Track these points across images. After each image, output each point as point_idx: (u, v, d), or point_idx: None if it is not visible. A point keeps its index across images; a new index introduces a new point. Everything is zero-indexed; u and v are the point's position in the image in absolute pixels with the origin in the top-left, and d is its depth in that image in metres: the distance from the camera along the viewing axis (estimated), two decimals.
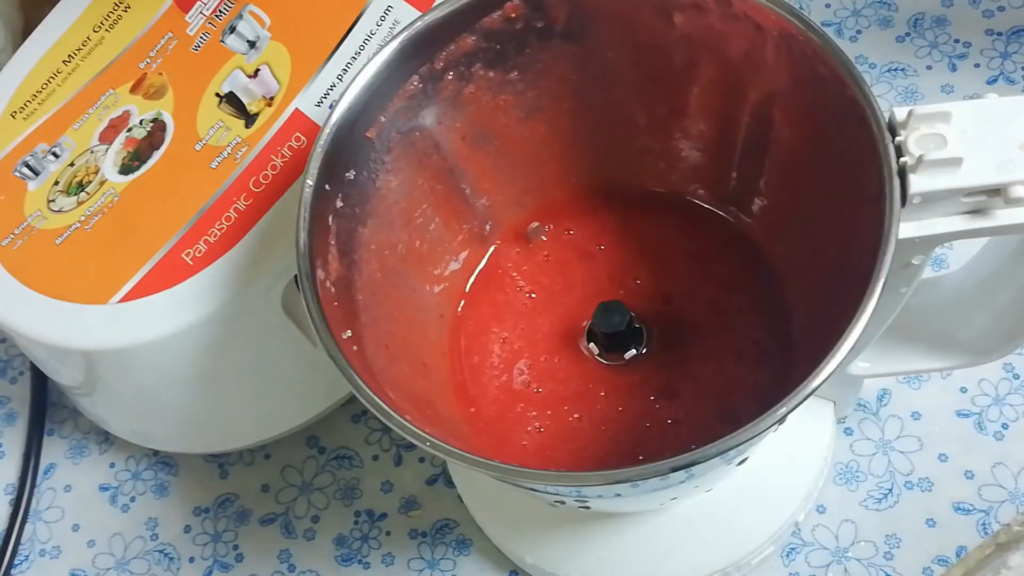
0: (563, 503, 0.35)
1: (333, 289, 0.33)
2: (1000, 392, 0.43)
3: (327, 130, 0.33)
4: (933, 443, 0.43)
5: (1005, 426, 0.43)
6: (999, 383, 0.44)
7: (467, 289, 0.40)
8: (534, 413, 0.37)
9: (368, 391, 0.30)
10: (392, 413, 0.29)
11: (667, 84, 0.37)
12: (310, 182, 0.33)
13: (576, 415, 0.37)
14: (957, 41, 0.50)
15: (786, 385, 0.28)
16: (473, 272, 0.40)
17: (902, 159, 0.30)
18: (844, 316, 0.29)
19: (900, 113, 0.31)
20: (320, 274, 0.32)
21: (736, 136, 0.37)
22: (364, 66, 0.34)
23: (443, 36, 0.35)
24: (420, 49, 0.35)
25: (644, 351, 0.38)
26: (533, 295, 0.40)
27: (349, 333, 0.32)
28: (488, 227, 0.40)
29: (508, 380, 0.38)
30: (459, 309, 0.39)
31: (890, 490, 0.42)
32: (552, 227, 0.40)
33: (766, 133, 0.36)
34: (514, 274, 0.40)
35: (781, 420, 0.28)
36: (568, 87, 0.38)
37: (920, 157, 0.30)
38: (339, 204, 0.34)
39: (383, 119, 0.35)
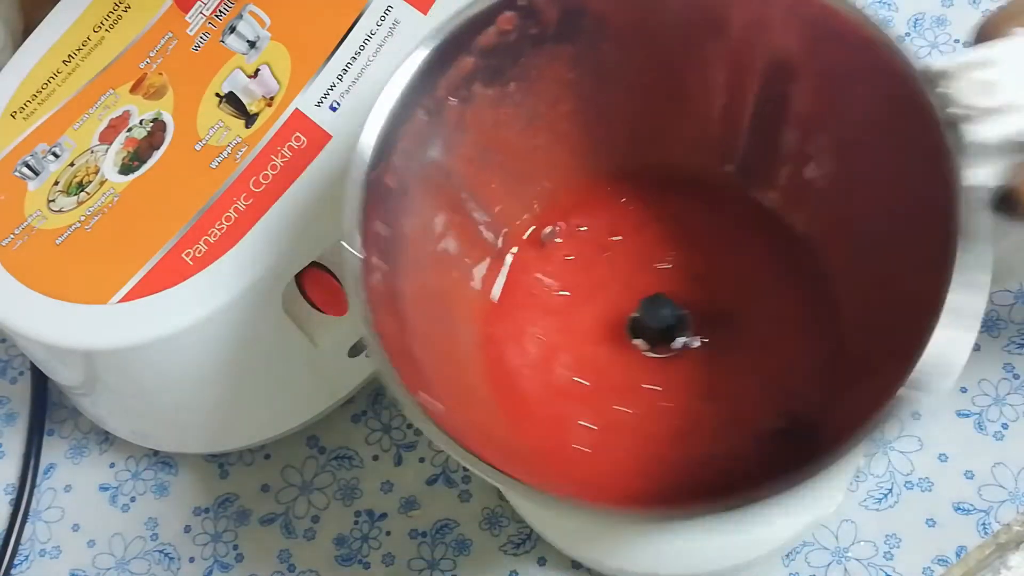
0: None
1: (395, 347, 0.31)
2: (1000, 392, 0.43)
3: (357, 191, 0.32)
4: (933, 443, 0.43)
5: (1005, 426, 0.43)
6: (999, 383, 0.44)
7: (495, 299, 0.39)
8: (583, 416, 0.37)
9: (460, 447, 0.29)
10: (497, 470, 0.28)
11: (664, 67, 0.37)
12: (359, 255, 0.31)
13: (628, 410, 0.37)
14: (957, 41, 0.50)
15: (842, 357, 0.27)
16: (497, 284, 0.39)
17: (955, 111, 0.29)
18: (910, 275, 0.28)
19: (940, 64, 0.29)
20: (384, 342, 0.31)
21: (745, 107, 0.37)
22: (374, 112, 0.33)
23: (443, 61, 0.35)
24: (424, 80, 0.34)
25: (690, 338, 0.37)
26: (564, 293, 0.39)
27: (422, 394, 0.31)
28: (501, 240, 0.40)
29: (551, 382, 0.38)
30: (491, 323, 0.39)
31: (890, 490, 0.42)
32: (564, 227, 0.40)
33: (780, 101, 0.35)
34: (538, 276, 0.40)
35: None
36: (565, 88, 0.38)
37: (978, 107, 0.29)
38: (375, 260, 0.33)
39: (397, 162, 0.34)
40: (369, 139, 0.33)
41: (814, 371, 0.36)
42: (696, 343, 0.37)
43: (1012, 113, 0.29)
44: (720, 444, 0.36)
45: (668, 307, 0.36)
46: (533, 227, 0.40)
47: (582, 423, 0.37)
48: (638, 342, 0.37)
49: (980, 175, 0.29)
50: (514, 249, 0.40)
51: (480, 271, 0.39)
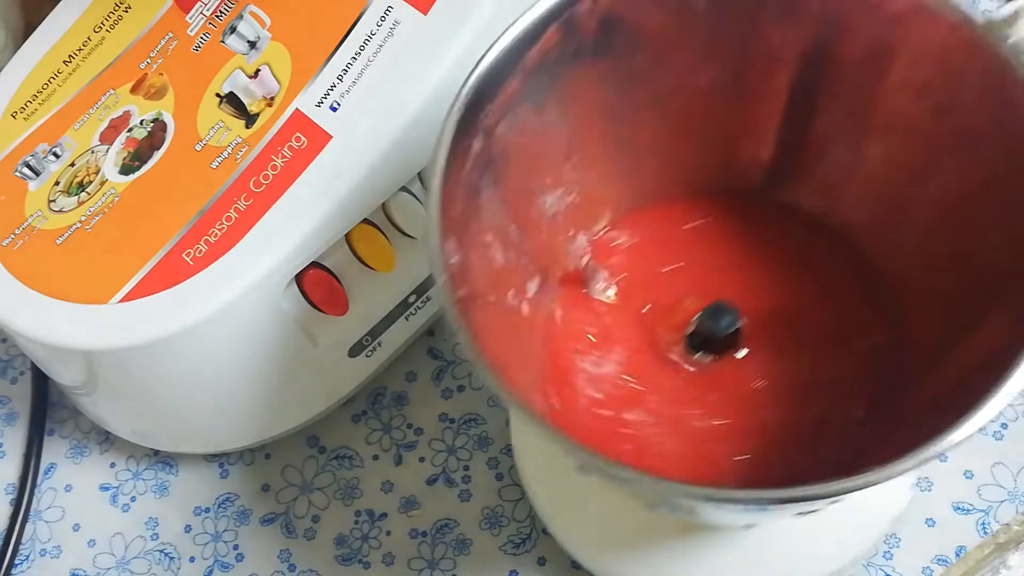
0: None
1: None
2: None
3: (436, 233, 0.32)
4: None
5: (1005, 426, 0.43)
6: None
7: (554, 319, 0.39)
8: (643, 424, 0.37)
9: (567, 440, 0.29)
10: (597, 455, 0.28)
11: (695, 75, 0.37)
12: (453, 294, 0.31)
13: (695, 421, 0.36)
14: None
15: (904, 361, 0.27)
16: (549, 306, 0.39)
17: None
18: (984, 248, 0.28)
19: (1002, 12, 0.30)
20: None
21: (777, 107, 0.36)
22: (439, 143, 0.33)
23: (493, 85, 0.34)
24: (476, 106, 0.34)
25: (748, 349, 0.37)
26: (612, 315, 0.39)
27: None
28: (546, 269, 0.39)
29: (610, 400, 0.37)
30: (549, 341, 0.39)
31: None
32: (608, 249, 0.40)
33: (818, 91, 0.35)
34: (589, 298, 0.39)
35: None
36: (598, 108, 0.37)
37: None
38: (461, 289, 0.33)
39: (459, 201, 0.34)
40: (438, 169, 0.32)
41: (880, 364, 0.36)
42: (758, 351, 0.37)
43: None
44: (800, 437, 0.35)
45: (729, 314, 0.36)
46: (581, 252, 0.40)
47: (646, 433, 0.37)
48: (699, 355, 0.37)
49: None
50: (560, 273, 0.39)
51: (532, 293, 0.38)
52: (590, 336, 0.39)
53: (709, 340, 0.37)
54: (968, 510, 0.42)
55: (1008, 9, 0.30)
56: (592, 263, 0.40)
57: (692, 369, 0.37)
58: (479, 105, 0.34)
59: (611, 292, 0.39)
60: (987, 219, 0.32)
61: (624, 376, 0.38)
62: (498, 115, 0.35)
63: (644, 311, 0.39)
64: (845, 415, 0.36)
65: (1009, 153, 0.30)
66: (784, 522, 0.39)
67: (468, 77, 0.33)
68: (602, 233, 0.40)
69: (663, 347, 0.38)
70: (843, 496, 0.27)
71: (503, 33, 0.34)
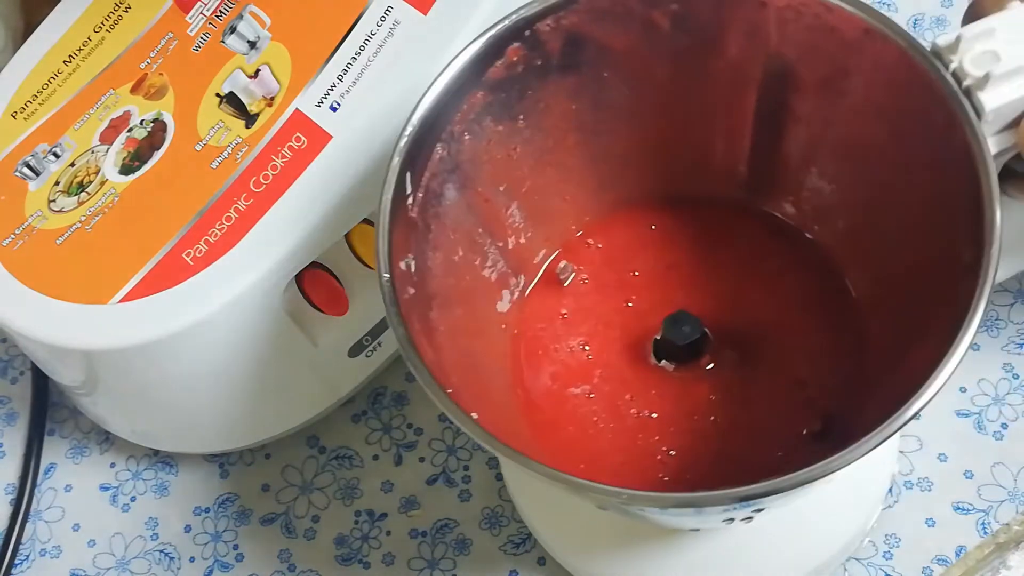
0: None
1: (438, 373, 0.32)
2: (1000, 392, 0.43)
3: (384, 219, 0.33)
4: (933, 443, 0.43)
5: (1005, 426, 0.43)
6: (999, 383, 0.44)
7: (517, 329, 0.39)
8: (608, 433, 0.37)
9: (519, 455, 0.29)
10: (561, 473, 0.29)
11: (664, 91, 0.37)
12: (386, 275, 0.32)
13: (656, 425, 0.37)
14: None
15: (869, 357, 0.27)
16: (518, 313, 0.39)
17: (965, 82, 0.30)
18: (932, 270, 0.28)
19: (944, 40, 0.31)
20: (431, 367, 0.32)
21: (746, 121, 0.37)
22: (399, 145, 0.34)
23: (457, 95, 0.35)
24: (440, 112, 0.35)
25: (714, 357, 0.37)
26: (582, 322, 0.39)
27: (475, 416, 0.31)
28: (519, 274, 0.40)
29: (577, 405, 0.38)
30: (516, 349, 0.39)
31: (890, 490, 0.42)
32: (580, 255, 0.40)
33: (781, 110, 0.36)
34: (558, 305, 0.40)
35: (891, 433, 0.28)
36: (570, 121, 0.38)
37: (987, 75, 0.30)
38: (409, 291, 0.33)
39: (420, 195, 0.35)
40: (393, 175, 0.33)
41: (842, 373, 0.36)
42: (722, 360, 0.37)
43: (1017, 78, 0.30)
44: (752, 450, 0.36)
45: (690, 323, 0.36)
46: (551, 258, 0.40)
47: (607, 439, 0.37)
48: (664, 363, 0.37)
49: (991, 144, 0.31)
50: (534, 280, 0.40)
51: (503, 305, 0.39)
52: (560, 338, 0.39)
53: (672, 348, 0.37)
54: (968, 510, 0.42)
55: (951, 36, 0.30)
56: (566, 265, 0.40)
57: (666, 379, 0.37)
58: (443, 113, 0.34)
59: (580, 294, 0.40)
60: (929, 238, 0.33)
61: (590, 383, 0.38)
62: (463, 124, 0.35)
63: (613, 314, 0.39)
64: (797, 432, 0.36)
65: (944, 178, 0.31)
66: (764, 521, 0.39)
67: (427, 90, 0.34)
68: (575, 237, 0.40)
69: (630, 353, 0.38)
70: (762, 503, 0.28)
71: (463, 50, 0.35)
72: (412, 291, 0.33)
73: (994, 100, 0.30)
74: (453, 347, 0.35)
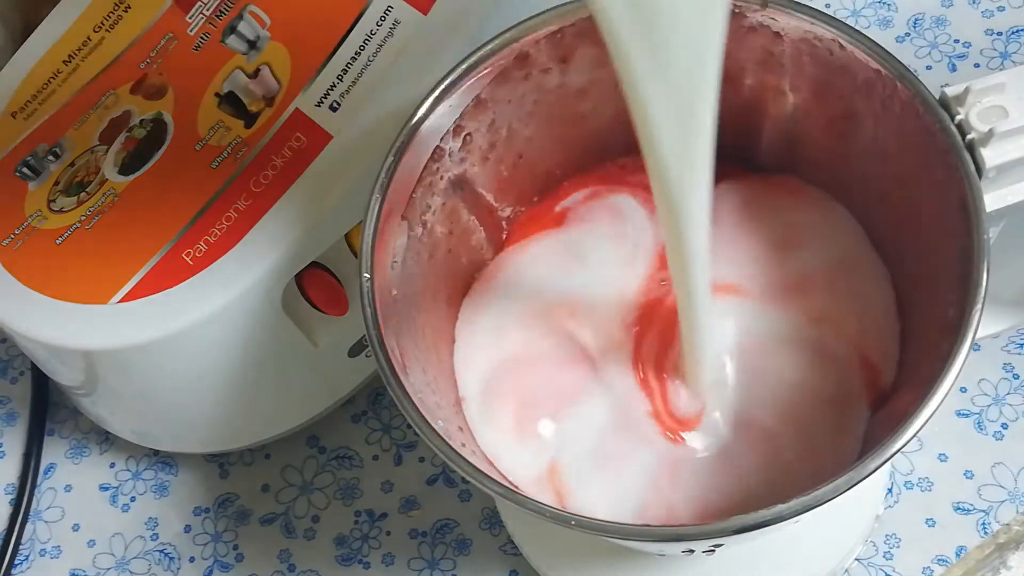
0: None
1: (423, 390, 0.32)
2: (1000, 392, 0.43)
3: (370, 222, 0.33)
4: (933, 443, 0.43)
5: (1005, 426, 0.43)
6: (999, 383, 0.44)
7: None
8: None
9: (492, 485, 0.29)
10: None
11: None
12: (367, 275, 0.32)
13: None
14: (957, 41, 0.50)
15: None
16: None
17: (969, 136, 0.30)
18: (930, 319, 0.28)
19: (953, 91, 0.30)
20: (404, 380, 0.31)
21: (755, 153, 0.37)
22: (403, 130, 0.34)
23: (457, 97, 0.35)
24: (439, 114, 0.34)
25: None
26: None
27: (441, 424, 0.31)
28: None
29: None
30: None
31: (890, 490, 0.42)
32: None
33: (788, 145, 0.36)
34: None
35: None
36: (571, 127, 0.38)
37: (991, 131, 0.29)
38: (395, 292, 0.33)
39: (416, 195, 0.35)
40: (387, 175, 0.33)
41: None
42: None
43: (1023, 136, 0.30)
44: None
45: None
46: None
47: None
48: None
49: (990, 201, 0.30)
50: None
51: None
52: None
53: None
54: (968, 510, 0.42)
55: (960, 88, 0.30)
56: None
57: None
58: (442, 115, 0.34)
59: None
60: (920, 292, 0.33)
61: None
62: (462, 126, 0.35)
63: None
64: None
65: (942, 225, 0.31)
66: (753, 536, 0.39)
67: (427, 90, 0.34)
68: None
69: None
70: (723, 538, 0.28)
71: (467, 56, 0.34)
72: (395, 292, 0.33)
73: (996, 157, 0.30)
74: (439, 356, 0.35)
